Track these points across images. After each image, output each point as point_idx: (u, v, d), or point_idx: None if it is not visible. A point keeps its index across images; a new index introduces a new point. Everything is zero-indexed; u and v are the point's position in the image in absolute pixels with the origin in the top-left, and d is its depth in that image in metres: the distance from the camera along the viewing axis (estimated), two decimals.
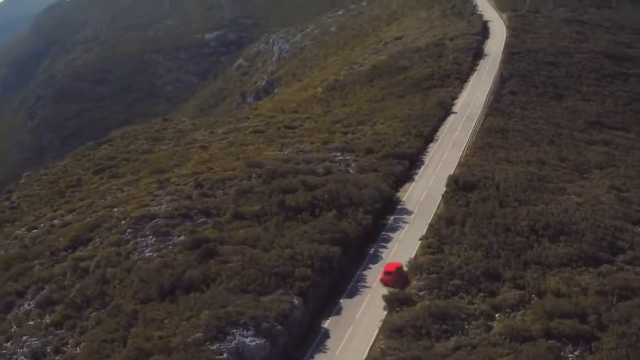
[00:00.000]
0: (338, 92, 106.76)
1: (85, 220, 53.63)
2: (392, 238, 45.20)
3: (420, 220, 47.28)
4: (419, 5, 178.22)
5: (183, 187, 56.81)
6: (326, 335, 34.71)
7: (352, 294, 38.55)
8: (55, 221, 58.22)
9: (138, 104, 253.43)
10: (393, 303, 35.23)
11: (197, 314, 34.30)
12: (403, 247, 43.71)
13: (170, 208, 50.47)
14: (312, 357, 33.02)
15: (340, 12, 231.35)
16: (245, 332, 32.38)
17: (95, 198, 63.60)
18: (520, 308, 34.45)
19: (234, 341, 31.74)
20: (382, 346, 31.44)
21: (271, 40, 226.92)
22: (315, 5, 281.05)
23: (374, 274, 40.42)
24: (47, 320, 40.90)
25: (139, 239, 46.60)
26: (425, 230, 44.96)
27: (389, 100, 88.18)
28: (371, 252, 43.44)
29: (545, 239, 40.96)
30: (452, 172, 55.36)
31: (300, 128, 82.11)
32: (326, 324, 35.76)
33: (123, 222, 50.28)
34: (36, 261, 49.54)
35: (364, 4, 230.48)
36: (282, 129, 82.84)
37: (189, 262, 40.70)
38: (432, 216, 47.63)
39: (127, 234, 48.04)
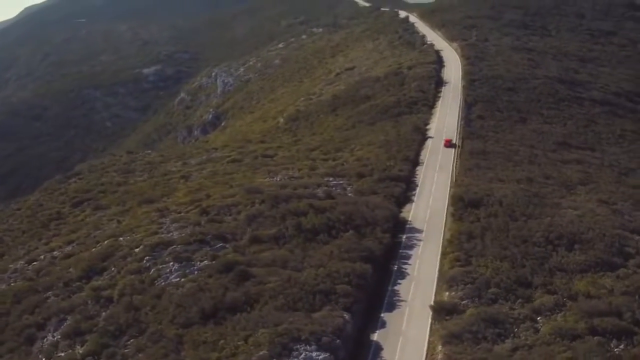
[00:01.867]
0: (302, 122, 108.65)
1: (93, 250, 52.78)
2: (411, 255, 46.82)
3: (432, 237, 49.30)
4: (363, 37, 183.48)
5: (186, 214, 56.88)
6: (379, 347, 35.71)
7: (391, 308, 39.78)
8: (55, 252, 57.03)
9: (77, 140, 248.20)
10: (441, 312, 36.66)
11: (253, 333, 34.67)
12: (424, 262, 45.42)
13: (183, 235, 50.50)
14: None
15: (280, 45, 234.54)
16: (308, 347, 33.02)
17: (89, 229, 62.79)
18: (558, 310, 36.50)
19: (301, 356, 32.33)
20: (445, 351, 32.70)
21: (213, 74, 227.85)
22: (252, 40, 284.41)
23: (405, 289, 41.83)
24: (80, 351, 40.09)
25: (160, 266, 46.38)
26: (441, 245, 47.10)
27: (360, 127, 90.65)
28: (395, 268, 44.89)
29: (562, 248, 43.57)
30: (449, 192, 57.99)
31: (277, 157, 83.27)
32: (375, 337, 36.76)
33: (137, 250, 49.91)
34: (49, 293, 48.39)
35: (304, 37, 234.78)
36: (260, 157, 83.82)
37: (225, 284, 40.95)
38: (442, 233, 49.79)
39: (145, 261, 47.71)
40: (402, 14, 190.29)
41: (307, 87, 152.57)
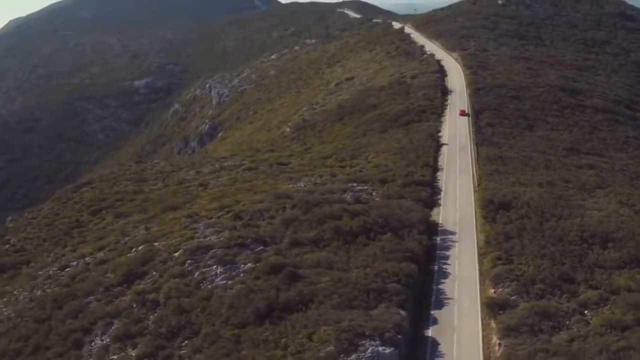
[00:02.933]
0: (309, 131, 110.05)
1: (129, 256, 53.48)
2: (449, 255, 48.18)
3: (466, 239, 50.75)
4: (358, 47, 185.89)
5: (218, 219, 57.81)
6: (435, 342, 36.91)
7: (439, 305, 41.03)
8: (88, 259, 57.66)
9: (69, 152, 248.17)
10: (493, 307, 38.00)
11: (315, 331, 35.71)
12: (462, 262, 46.80)
13: (222, 238, 51.41)
14: None
15: (273, 57, 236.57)
16: (372, 342, 34.14)
17: (116, 236, 63.41)
18: (603, 304, 37.99)
19: (367, 351, 33.43)
20: (505, 344, 33.99)
21: (207, 85, 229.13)
22: (243, 51, 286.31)
23: (449, 288, 43.17)
24: (133, 353, 40.80)
25: (203, 269, 47.20)
26: (476, 246, 48.58)
27: (371, 136, 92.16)
28: (436, 268, 46.22)
29: (596, 246, 45.15)
30: (474, 195, 59.59)
31: (292, 164, 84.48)
32: (429, 332, 37.99)
33: (176, 254, 50.75)
34: (90, 297, 49.01)
35: (297, 48, 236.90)
36: (275, 165, 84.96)
37: (276, 285, 41.94)
38: (475, 234, 51.28)
39: (187, 265, 48.56)
40: (396, 25, 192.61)
41: (307, 97, 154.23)
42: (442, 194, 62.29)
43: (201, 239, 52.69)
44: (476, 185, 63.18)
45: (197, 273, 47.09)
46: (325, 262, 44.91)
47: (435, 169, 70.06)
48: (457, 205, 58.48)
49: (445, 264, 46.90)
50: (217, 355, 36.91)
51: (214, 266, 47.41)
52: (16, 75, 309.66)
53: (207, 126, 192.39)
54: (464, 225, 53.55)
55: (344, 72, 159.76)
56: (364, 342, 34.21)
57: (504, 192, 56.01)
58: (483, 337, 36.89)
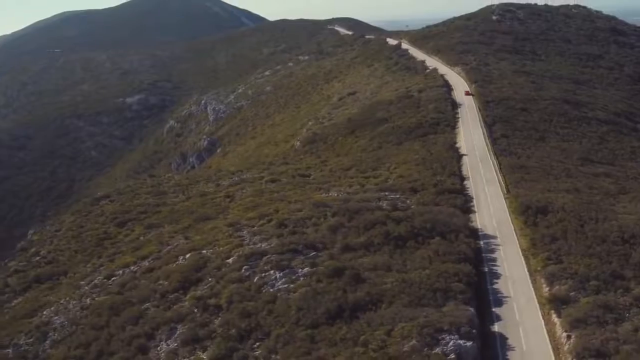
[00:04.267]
0: (321, 144, 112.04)
1: (181, 263, 54.88)
2: (496, 258, 50.36)
3: (508, 242, 53.01)
4: (355, 63, 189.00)
5: (261, 227, 59.46)
6: (503, 336, 38.87)
7: (498, 303, 43.06)
8: (132, 268, 59.00)
9: (62, 169, 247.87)
10: (556, 303, 40.15)
11: (393, 327, 37.50)
12: (510, 263, 48.99)
13: (273, 245, 53.11)
14: (506, 355, 37.07)
15: (267, 73, 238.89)
16: (452, 336, 36.05)
17: (155, 245, 64.66)
18: None
19: (449, 344, 35.31)
20: (576, 335, 36.08)
21: (203, 101, 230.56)
22: (235, 68, 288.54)
23: (504, 287, 45.30)
24: (205, 356, 42.08)
25: (261, 274, 48.81)
26: (520, 249, 50.90)
27: (387, 148, 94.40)
28: (486, 270, 48.34)
29: (638, 246, 47.60)
30: (506, 202, 62.05)
31: (314, 176, 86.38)
32: (495, 328, 39.99)
33: (229, 261, 52.31)
34: (147, 304, 50.32)
35: (291, 64, 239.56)
36: (297, 177, 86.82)
37: (342, 287, 43.70)
38: (515, 238, 53.61)
39: (243, 270, 50.14)
40: (391, 41, 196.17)
41: (308, 112, 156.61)
42: (475, 201, 64.52)
43: (251, 246, 54.33)
44: (505, 192, 65.59)
45: (256, 278, 48.61)
46: (382, 265, 46.75)
47: (461, 178, 72.31)
48: (492, 211, 60.75)
49: (494, 265, 49.02)
50: (296, 354, 38.38)
51: (271, 271, 48.98)
52: (5, 93, 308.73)
53: (205, 142, 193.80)
54: (502, 230, 55.79)
55: (344, 87, 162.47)
56: (444, 336, 36.08)
57: (538, 198, 58.41)
58: (547, 330, 38.95)
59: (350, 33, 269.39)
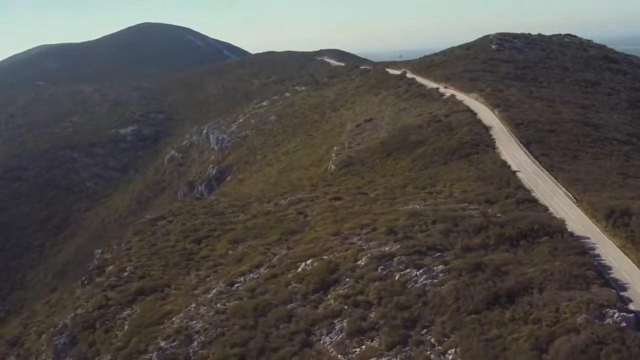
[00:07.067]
0: (358, 167, 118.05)
1: (314, 266, 59.82)
2: (599, 254, 56.87)
3: (603, 241, 59.74)
4: (360, 92, 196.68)
5: (369, 235, 65.14)
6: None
7: (623, 289, 49.38)
8: (251, 275, 63.85)
9: (58, 200, 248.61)
10: None
11: (559, 306, 43.58)
12: (614, 257, 55.62)
13: (398, 247, 58.83)
14: None
15: (265, 103, 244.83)
16: (614, 310, 42.35)
17: (256, 257, 69.32)
18: None
19: (616, 315, 41.54)
20: None
21: (204, 131, 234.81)
22: (227, 99, 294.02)
23: (620, 276, 51.72)
24: (375, 345, 47.21)
25: (400, 273, 54.41)
26: (615, 245, 57.85)
27: (435, 167, 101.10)
28: (595, 263, 54.94)
29: None
30: (580, 209, 69.17)
31: (373, 194, 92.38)
32: (631, 307, 46.29)
33: (360, 262, 57.85)
34: (291, 304, 55.32)
35: (287, 94, 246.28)
36: (357, 195, 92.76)
37: (488, 278, 49.68)
38: (605, 237, 60.58)
39: (379, 270, 55.70)
40: (392, 71, 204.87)
41: (324, 138, 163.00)
42: (550, 209, 71.37)
43: (374, 250, 59.98)
44: (575, 201, 72.72)
45: (397, 276, 54.26)
46: (512, 260, 52.95)
47: (527, 190, 79.24)
48: (572, 217, 67.63)
49: (600, 260, 55.58)
50: (472, 335, 43.93)
51: (408, 269, 54.75)
52: None
53: (214, 170, 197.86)
54: (590, 231, 62.65)
55: (356, 115, 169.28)
56: (607, 310, 42.35)
57: (617, 203, 65.64)
58: None
59: (341, 64, 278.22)
